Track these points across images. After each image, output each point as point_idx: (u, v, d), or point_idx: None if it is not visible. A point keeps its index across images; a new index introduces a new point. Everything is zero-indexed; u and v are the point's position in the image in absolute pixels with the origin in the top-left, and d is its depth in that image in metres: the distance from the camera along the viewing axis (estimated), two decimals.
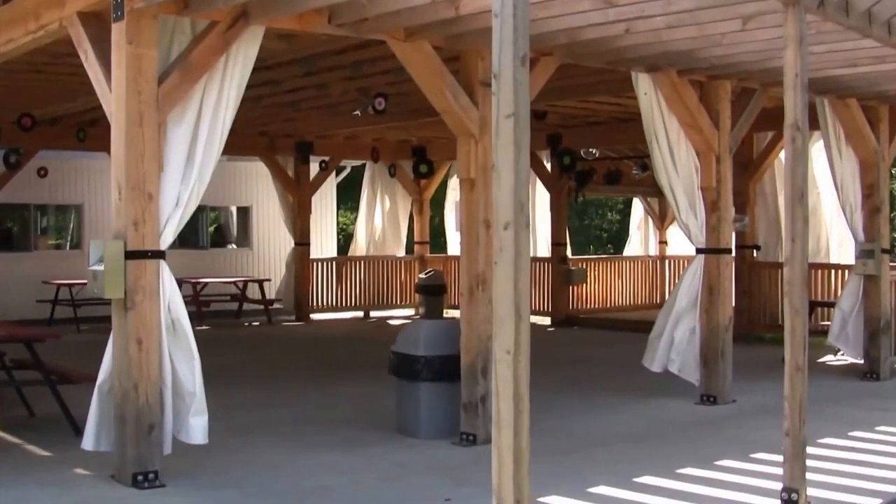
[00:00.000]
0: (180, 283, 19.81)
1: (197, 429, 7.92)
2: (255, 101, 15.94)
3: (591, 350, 16.43)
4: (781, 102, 7.05)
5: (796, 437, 7.05)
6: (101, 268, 7.74)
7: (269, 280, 22.03)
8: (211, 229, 24.32)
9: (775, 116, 16.23)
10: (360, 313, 22.31)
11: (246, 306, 21.57)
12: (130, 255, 7.75)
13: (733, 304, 17.39)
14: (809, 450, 8.56)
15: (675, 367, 11.22)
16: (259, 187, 22.88)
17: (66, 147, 18.82)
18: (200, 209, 22.83)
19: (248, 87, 14.65)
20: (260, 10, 8.06)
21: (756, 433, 9.51)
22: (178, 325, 7.98)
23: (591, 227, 41.01)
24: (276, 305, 21.43)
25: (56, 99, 15.46)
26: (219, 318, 21.02)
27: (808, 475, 6.93)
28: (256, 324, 20.97)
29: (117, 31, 7.79)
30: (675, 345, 11.20)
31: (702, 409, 10.90)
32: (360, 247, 23.11)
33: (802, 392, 7.10)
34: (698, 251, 11.33)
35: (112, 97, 7.93)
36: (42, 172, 19.39)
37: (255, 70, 13.58)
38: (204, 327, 19.78)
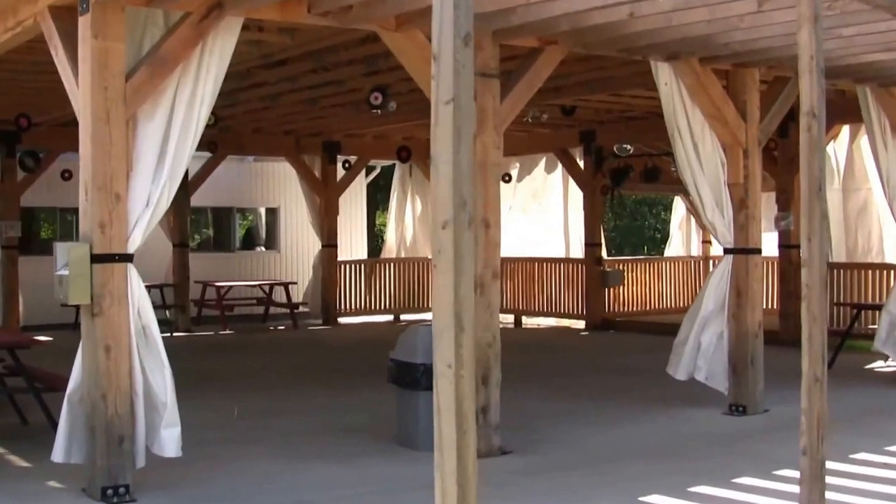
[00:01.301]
0: (205, 286, 19.82)
1: (169, 441, 7.47)
2: (272, 98, 15.47)
3: (624, 356, 15.73)
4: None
5: (814, 457, 6.38)
6: (67, 273, 7.27)
7: (294, 283, 21.48)
8: (242, 232, 23.85)
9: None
10: (391, 317, 21.74)
11: (273, 310, 21.05)
12: (97, 258, 7.32)
13: (777, 307, 17.06)
14: (840, 466, 7.97)
15: (702, 374, 10.54)
16: (287, 188, 22.37)
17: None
18: (228, 210, 22.42)
19: (264, 84, 14.54)
20: (235, 0, 7.54)
21: (783, 448, 8.71)
22: (148, 331, 7.56)
23: (643, 227, 40.22)
24: (302, 309, 20.90)
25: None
26: (244, 323, 20.56)
27: (836, 495, 6.48)
28: (282, 328, 20.48)
29: (83, 24, 7.37)
30: (702, 351, 10.53)
31: (729, 421, 10.22)
32: (390, 248, 22.55)
33: (821, 406, 6.43)
34: (726, 251, 10.66)
35: (79, 93, 7.47)
36: (66, 175, 18.97)
37: (266, 66, 13.42)
38: (227, 332, 19.40)
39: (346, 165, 20.90)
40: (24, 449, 8.86)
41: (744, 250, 10.50)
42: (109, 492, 7.19)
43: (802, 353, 6.47)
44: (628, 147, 17.97)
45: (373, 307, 21.56)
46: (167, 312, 19.21)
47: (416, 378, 8.92)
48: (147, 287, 18.28)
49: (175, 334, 18.87)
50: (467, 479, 4.59)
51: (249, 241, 23.59)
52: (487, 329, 8.78)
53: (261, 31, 11.01)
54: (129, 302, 7.39)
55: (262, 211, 23.26)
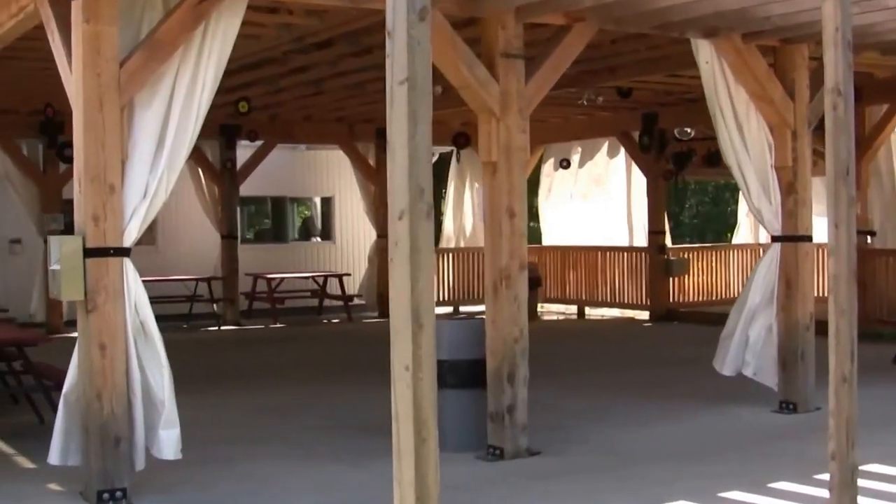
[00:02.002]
0: (255, 278, 19.56)
1: (167, 442, 7.14)
2: (316, 84, 15.12)
3: (682, 348, 15.14)
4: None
5: (844, 462, 5.91)
6: (59, 267, 6.97)
7: (349, 275, 21.08)
8: (299, 222, 23.57)
9: (890, 87, 15.00)
10: (450, 308, 21.29)
11: (329, 303, 20.66)
12: (91, 252, 6.99)
13: (857, 297, 16.05)
14: (885, 469, 7.41)
15: (750, 370, 9.98)
16: (341, 177, 21.95)
17: None
18: (281, 200, 22.10)
19: (306, 69, 14.18)
20: None
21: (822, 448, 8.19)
22: (146, 328, 7.25)
23: (726, 213, 39.23)
24: (357, 301, 20.53)
25: None
26: (297, 316, 20.25)
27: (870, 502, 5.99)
28: (336, 321, 20.13)
29: (75, 8, 7.05)
30: (750, 345, 9.97)
31: (777, 419, 9.66)
32: (448, 238, 22.09)
33: (850, 407, 5.94)
34: (773, 239, 10.08)
35: (72, 80, 7.16)
36: None
37: (302, 50, 13.06)
38: (278, 325, 19.13)
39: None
40: (32, 449, 8.57)
41: (793, 238, 9.92)
42: (105, 495, 6.89)
43: (829, 349, 6.00)
44: (689, 130, 17.36)
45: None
46: (215, 306, 18.97)
47: (441, 375, 8.48)
48: (194, 280, 18.40)
49: (223, 328, 18.67)
50: (427, 491, 4.19)
51: (305, 232, 23.29)
52: (514, 323, 8.35)
53: (290, 14, 10.68)
54: (125, 297, 7.06)
55: (318, 201, 22.89)
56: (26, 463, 8.28)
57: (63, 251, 6.89)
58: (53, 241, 7.13)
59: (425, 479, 4.11)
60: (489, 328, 8.37)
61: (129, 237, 7.14)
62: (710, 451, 8.44)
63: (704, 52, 9.59)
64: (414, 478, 4.07)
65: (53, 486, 7.42)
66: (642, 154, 18.83)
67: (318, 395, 11.41)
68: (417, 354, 3.93)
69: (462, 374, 8.45)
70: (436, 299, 18.51)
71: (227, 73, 13.96)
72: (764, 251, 20.38)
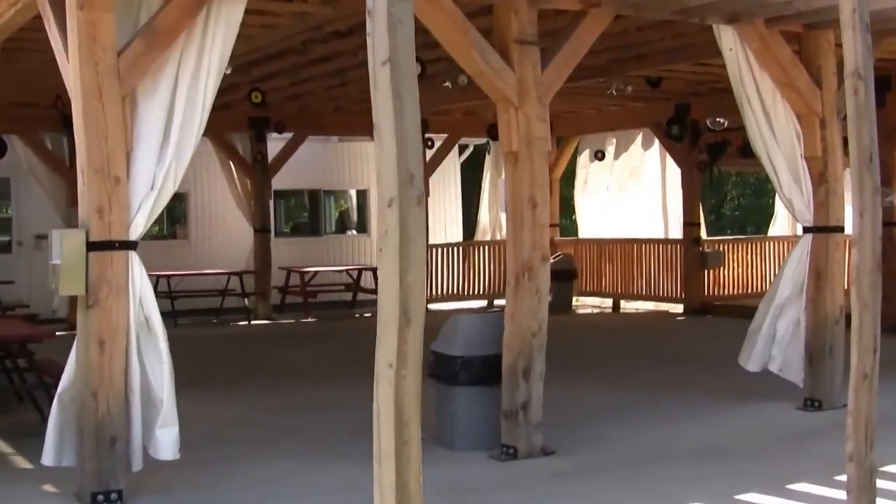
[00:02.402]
0: (288, 272, 19.39)
1: (164, 442, 6.96)
2: (339, 74, 14.93)
3: (713, 343, 14.79)
4: None
5: (862, 464, 5.64)
6: (59, 262, 6.82)
7: None
8: (336, 215, 23.38)
9: None
10: (485, 302, 21.05)
11: (363, 296, 20.45)
12: (94, 246, 6.81)
13: (881, 289, 15.71)
14: None
15: (776, 365, 9.70)
16: (375, 168, 21.64)
17: None
18: (315, 193, 21.91)
19: (324, 60, 13.98)
20: None
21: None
22: (150, 323, 7.03)
23: (767, 205, 38.72)
24: None
25: None
26: (331, 310, 20.10)
27: None
28: (368, 315, 19.87)
29: None
30: (777, 340, 9.69)
31: (801, 417, 9.37)
32: (484, 230, 21.85)
33: (870, 406, 5.68)
34: (805, 230, 9.79)
35: (69, 69, 6.97)
36: None
37: (322, 40, 12.87)
38: (310, 320, 18.98)
39: (430, 144, 20.14)
40: (32, 448, 8.30)
41: (824, 229, 9.62)
42: (100, 497, 6.70)
43: (851, 344, 5.76)
44: (722, 121, 17.01)
45: (467, 292, 20.83)
46: (246, 300, 18.84)
47: (455, 372, 8.31)
48: (225, 274, 18.23)
49: (253, 322, 18.53)
50: (409, 497, 3.98)
51: (342, 225, 23.11)
52: (534, 317, 8.11)
53: (305, 3, 10.51)
54: (129, 293, 6.88)
55: (353, 193, 22.66)
56: (24, 463, 8.10)
57: (65, 247, 6.73)
58: (55, 234, 6.97)
59: (407, 484, 3.91)
60: (508, 322, 8.15)
61: (136, 230, 6.96)
62: (731, 451, 8.19)
63: (728, 39, 9.32)
64: (395, 482, 3.86)
65: (48, 488, 7.24)
66: (673, 145, 18.52)
67: (339, 392, 11.18)
68: (403, 350, 3.73)
69: (476, 371, 8.24)
70: (471, 292, 18.31)
71: (249, 64, 14.05)
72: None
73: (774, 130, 9.50)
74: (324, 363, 13.70)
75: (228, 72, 13.62)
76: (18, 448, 8.48)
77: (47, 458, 6.97)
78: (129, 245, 6.91)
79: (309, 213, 23.16)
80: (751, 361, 9.77)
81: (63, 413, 6.96)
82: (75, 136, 6.89)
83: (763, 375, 9.93)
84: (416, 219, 3.67)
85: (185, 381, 11.79)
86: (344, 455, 8.13)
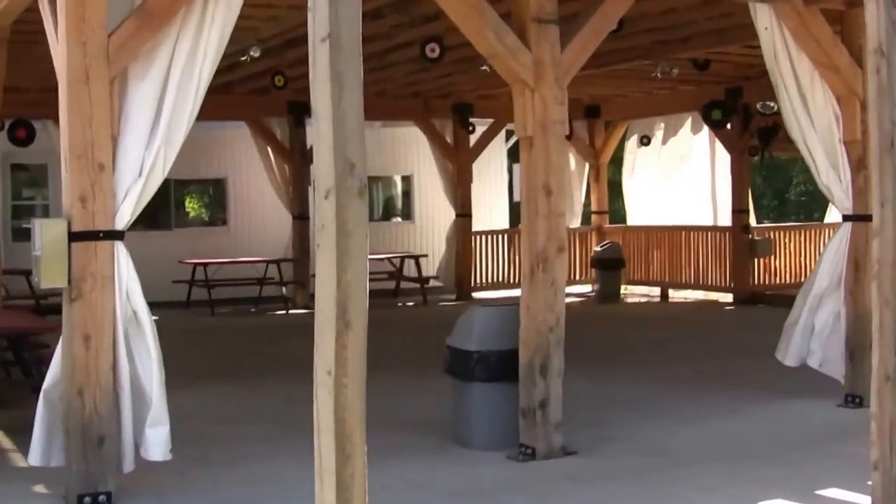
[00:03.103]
0: None
1: (155, 442, 6.62)
2: (377, 57, 14.56)
3: (759, 335, 14.09)
4: None
5: (887, 472, 5.28)
6: (41, 253, 6.51)
7: (425, 256, 20.45)
8: (383, 202, 23.04)
9: None
10: None
11: (407, 285, 20.12)
12: (76, 236, 6.49)
13: None
14: None
15: (816, 360, 9.23)
16: (420, 154, 21.25)
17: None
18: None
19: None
20: None
21: None
22: (138, 317, 6.70)
23: None
24: (433, 283, 19.95)
25: None
26: (373, 299, 19.57)
27: None
28: (411, 304, 19.54)
29: None
30: (816, 333, 9.22)
31: (840, 415, 8.90)
32: None
33: (893, 410, 5.30)
34: (844, 218, 9.29)
35: (57, 50, 6.67)
36: None
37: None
38: None
39: (472, 129, 19.73)
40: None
41: (864, 217, 9.08)
42: (87, 500, 6.40)
43: (872, 344, 5.38)
44: (773, 104, 16.43)
45: (512, 280, 20.30)
46: (283, 289, 18.57)
47: (470, 367, 7.94)
48: (263, 262, 17.99)
49: (290, 312, 18.26)
50: None
51: (387, 212, 22.78)
52: (551, 310, 7.71)
53: None
54: (115, 285, 6.56)
55: (398, 179, 22.30)
56: (20, 461, 7.77)
57: (45, 237, 6.43)
58: (35, 224, 6.67)
59: (350, 502, 3.55)
60: (523, 316, 7.76)
61: (122, 219, 6.63)
62: (762, 452, 7.73)
63: (763, 17, 8.85)
64: (335, 502, 3.51)
65: (39, 489, 6.96)
66: (717, 128, 18.01)
67: (368, 386, 10.82)
68: (342, 357, 3.38)
69: (493, 367, 7.87)
70: (517, 280, 17.84)
71: (281, 47, 13.75)
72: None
73: (811, 113, 9.02)
74: None
75: (256, 55, 13.44)
76: (20, 444, 8.18)
77: (34, 458, 6.67)
78: (115, 235, 6.59)
79: None
80: (788, 356, 9.32)
81: (50, 411, 6.66)
82: (60, 120, 6.61)
83: (806, 370, 9.46)
84: (355, 212, 3.32)
85: (203, 373, 11.70)
86: None
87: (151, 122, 6.71)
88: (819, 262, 9.40)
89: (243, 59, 13.51)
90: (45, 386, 6.70)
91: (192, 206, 22.16)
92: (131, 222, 6.72)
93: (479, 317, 8.10)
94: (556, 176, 7.74)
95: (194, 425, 8.85)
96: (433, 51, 12.21)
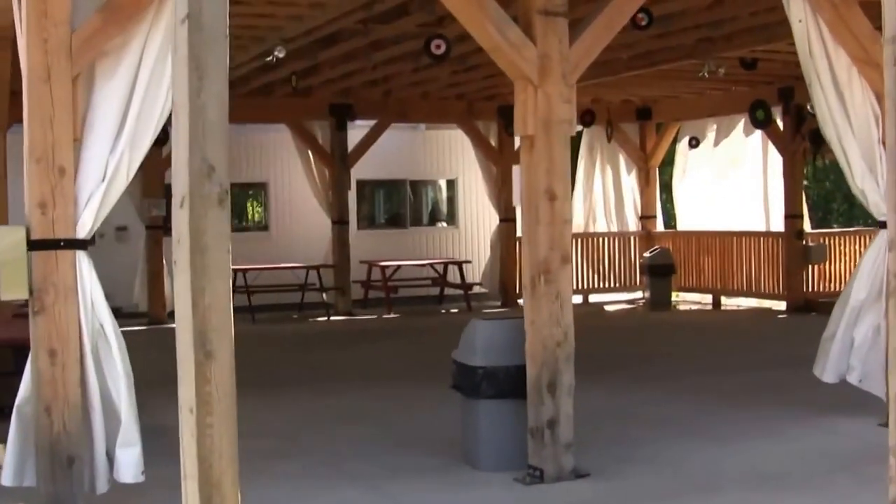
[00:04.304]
0: (370, 266, 18.67)
1: (126, 463, 6.18)
2: (413, 57, 14.10)
3: (812, 345, 13.34)
4: None
5: None
6: None
7: (469, 262, 19.98)
8: (429, 207, 22.54)
9: None
10: (579, 298, 20.03)
11: (452, 291, 19.63)
12: (36, 244, 6.10)
13: None
14: None
15: (855, 376, 8.55)
16: (465, 158, 20.75)
17: (235, 120, 17.71)
18: (401, 184, 21.04)
19: (394, 42, 13.17)
20: None
21: None
22: (105, 330, 6.28)
23: None
24: (476, 290, 19.44)
25: None
26: (417, 305, 19.33)
27: None
28: (455, 311, 19.03)
29: None
30: (856, 348, 8.54)
31: (881, 435, 8.03)
32: (578, 223, 20.81)
33: None
34: (881, 225, 8.63)
35: (20, 47, 6.26)
36: None
37: (383, 20, 12.10)
38: (392, 316, 18.21)
39: (510, 130, 19.19)
40: None
41: None
42: None
43: (889, 368, 4.81)
44: None
45: None
46: (324, 295, 18.16)
47: (476, 383, 7.44)
48: (304, 268, 17.68)
49: (332, 318, 17.84)
50: None
51: (433, 217, 22.29)
52: (557, 324, 7.18)
53: None
54: (78, 296, 6.16)
55: (443, 183, 21.78)
56: None
57: (2, 244, 6.03)
58: None
59: None
60: (528, 330, 7.24)
61: (84, 227, 6.22)
62: (794, 477, 7.18)
63: (797, 9, 8.22)
64: None
65: None
66: (776, 131, 17.36)
67: (388, 400, 10.39)
68: (204, 392, 2.88)
69: (500, 383, 7.36)
70: None
71: (312, 46, 13.35)
72: None
73: (848, 112, 8.37)
74: (385, 366, 12.87)
75: (282, 55, 13.00)
76: None
77: (7, 478, 6.25)
78: (77, 244, 6.20)
79: (391, 204, 22.27)
80: (826, 372, 8.67)
81: (23, 428, 6.24)
82: (23, 120, 6.20)
83: (850, 385, 8.83)
84: (214, 222, 2.81)
85: None
86: (354, 476, 7.45)
87: (118, 124, 6.28)
88: (855, 273, 8.77)
89: (269, 59, 13.09)
90: (17, 401, 6.29)
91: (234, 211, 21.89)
92: (94, 230, 6.30)
93: (482, 329, 7.60)
94: (561, 179, 7.22)
95: None
96: (438, 47, 11.70)
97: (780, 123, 17.43)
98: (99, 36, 6.17)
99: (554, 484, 7.02)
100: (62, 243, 6.12)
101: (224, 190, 2.89)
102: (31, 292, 6.08)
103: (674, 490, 6.92)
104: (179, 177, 2.87)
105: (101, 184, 6.23)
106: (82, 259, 6.21)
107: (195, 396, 2.88)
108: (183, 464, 2.99)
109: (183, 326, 2.87)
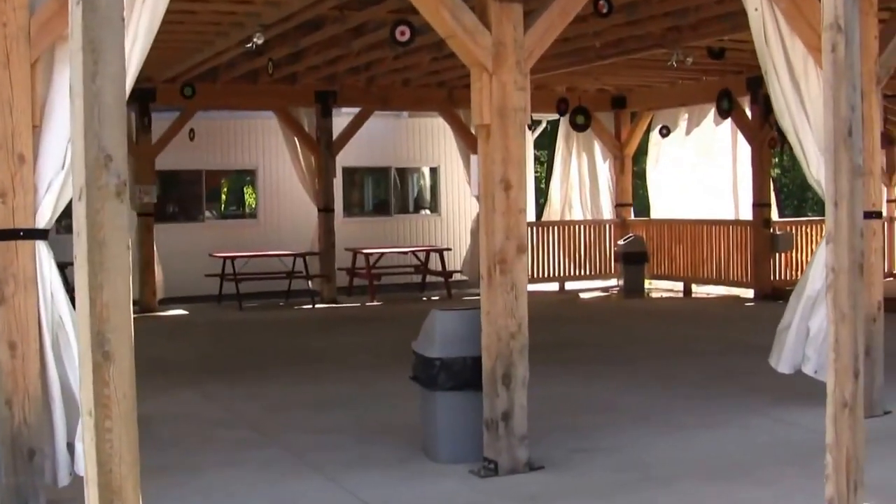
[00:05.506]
0: (355, 254, 18.69)
1: (83, 457, 6.11)
2: (391, 46, 14.02)
3: (767, 333, 13.66)
4: None
5: None
6: None
7: (449, 249, 20.10)
8: (414, 195, 22.53)
9: None
10: (557, 285, 20.08)
11: (433, 279, 19.76)
12: None
13: (863, 297, 14.24)
14: None
15: (810, 367, 8.61)
16: (446, 145, 20.78)
17: (222, 106, 17.75)
18: (385, 171, 21.00)
19: (372, 28, 13.09)
20: None
21: (882, 467, 6.82)
22: (64, 323, 6.28)
23: None
24: (457, 277, 19.55)
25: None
26: (399, 293, 19.47)
27: None
28: (436, 298, 19.09)
29: None
30: (811, 339, 8.59)
31: None
32: (554, 211, 20.85)
33: (854, 440, 4.78)
34: None
35: None
36: (191, 135, 18.03)
37: (359, 7, 12.02)
38: (375, 303, 18.30)
39: None
40: None
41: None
42: None
43: (828, 366, 4.85)
44: None
45: (538, 275, 19.81)
46: (310, 283, 18.19)
47: (433, 375, 7.44)
48: (290, 255, 17.78)
49: (316, 306, 17.91)
50: None
51: (417, 205, 22.31)
52: (511, 316, 7.16)
53: None
54: (38, 288, 6.15)
55: (426, 171, 21.79)
56: None
57: None
58: None
59: None
60: (483, 321, 7.24)
61: (43, 217, 6.19)
62: (746, 467, 7.18)
63: None
64: None
65: None
66: (745, 120, 17.42)
67: (362, 388, 10.43)
68: (103, 396, 2.83)
69: (457, 375, 7.37)
70: (542, 275, 17.32)
71: (294, 32, 13.30)
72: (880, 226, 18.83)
73: (804, 102, 8.41)
74: (365, 353, 12.92)
75: (260, 41, 12.91)
76: None
77: None
78: (37, 234, 6.17)
79: (374, 191, 22.29)
80: (782, 362, 8.74)
81: None
82: None
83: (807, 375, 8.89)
84: (112, 216, 2.76)
85: (203, 371, 11.32)
86: (319, 465, 7.44)
87: None
88: (810, 263, 8.82)
89: (248, 46, 13.01)
90: None
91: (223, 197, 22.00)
92: (54, 220, 6.27)
93: (440, 320, 7.61)
94: (516, 168, 7.24)
95: (173, 428, 8.61)
96: (403, 34, 11.67)
97: (748, 112, 17.44)
98: (57, 20, 6.11)
99: (508, 476, 7.02)
100: (22, 233, 6.09)
101: (121, 181, 2.85)
102: None
103: (626, 481, 6.92)
104: (77, 167, 2.83)
105: (60, 171, 6.19)
106: (42, 249, 6.19)
107: (93, 399, 2.85)
108: (85, 469, 2.97)
109: (82, 326, 2.85)
